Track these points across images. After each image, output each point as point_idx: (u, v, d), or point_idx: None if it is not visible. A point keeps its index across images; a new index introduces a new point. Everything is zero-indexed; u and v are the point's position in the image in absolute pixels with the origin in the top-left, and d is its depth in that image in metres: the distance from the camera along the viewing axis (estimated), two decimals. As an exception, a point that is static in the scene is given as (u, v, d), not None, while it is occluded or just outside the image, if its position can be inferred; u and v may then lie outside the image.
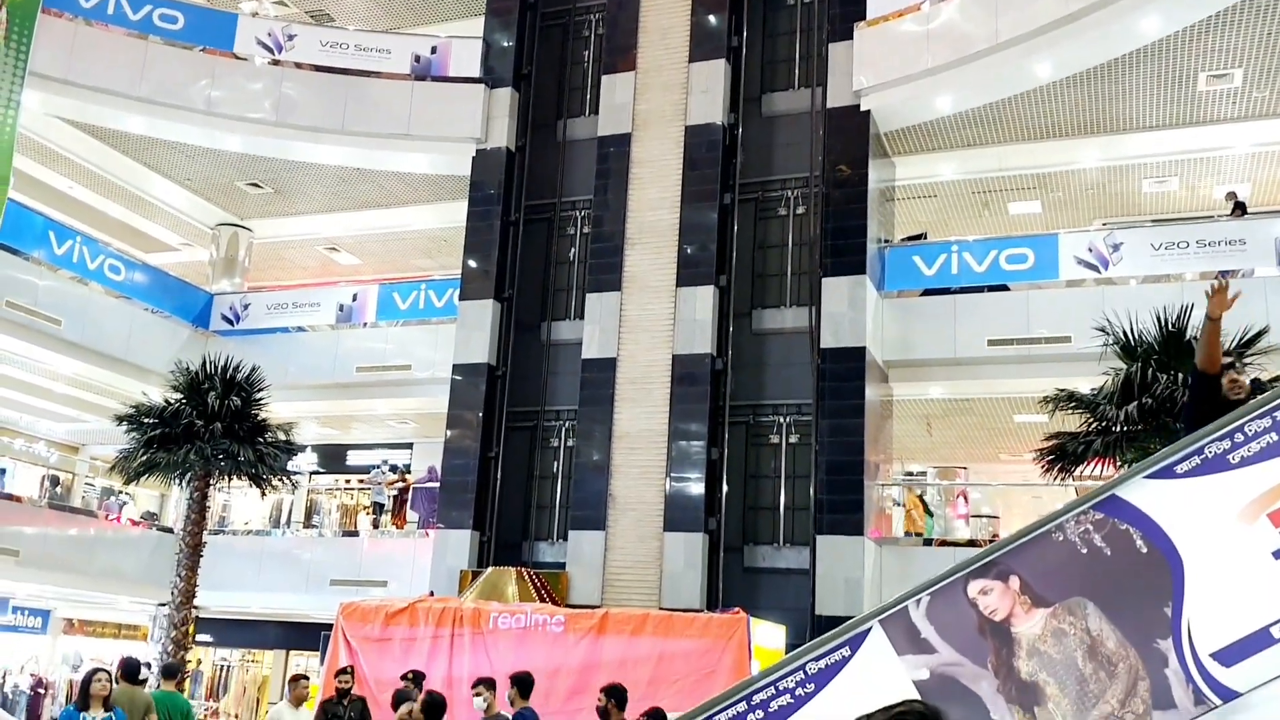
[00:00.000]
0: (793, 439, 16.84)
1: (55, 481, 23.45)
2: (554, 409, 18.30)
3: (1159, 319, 13.10)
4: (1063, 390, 13.71)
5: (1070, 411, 13.58)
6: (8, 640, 22.88)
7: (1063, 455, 13.39)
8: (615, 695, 9.41)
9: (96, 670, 8.19)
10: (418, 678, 10.97)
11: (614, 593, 16.27)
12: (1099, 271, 16.61)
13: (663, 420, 16.82)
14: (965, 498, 18.12)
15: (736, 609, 13.55)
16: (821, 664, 3.72)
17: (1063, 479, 13.62)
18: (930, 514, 17.49)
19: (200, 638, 20.74)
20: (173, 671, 11.67)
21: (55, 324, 19.36)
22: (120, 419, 18.45)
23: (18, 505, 19.95)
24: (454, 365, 18.62)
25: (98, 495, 23.63)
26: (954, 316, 17.11)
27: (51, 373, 21.36)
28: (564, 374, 18.15)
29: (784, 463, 16.87)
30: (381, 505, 21.12)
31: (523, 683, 9.69)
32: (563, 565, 17.02)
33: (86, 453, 26.81)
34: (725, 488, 16.65)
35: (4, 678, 22.37)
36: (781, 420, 17.00)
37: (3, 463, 23.09)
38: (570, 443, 17.94)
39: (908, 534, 16.33)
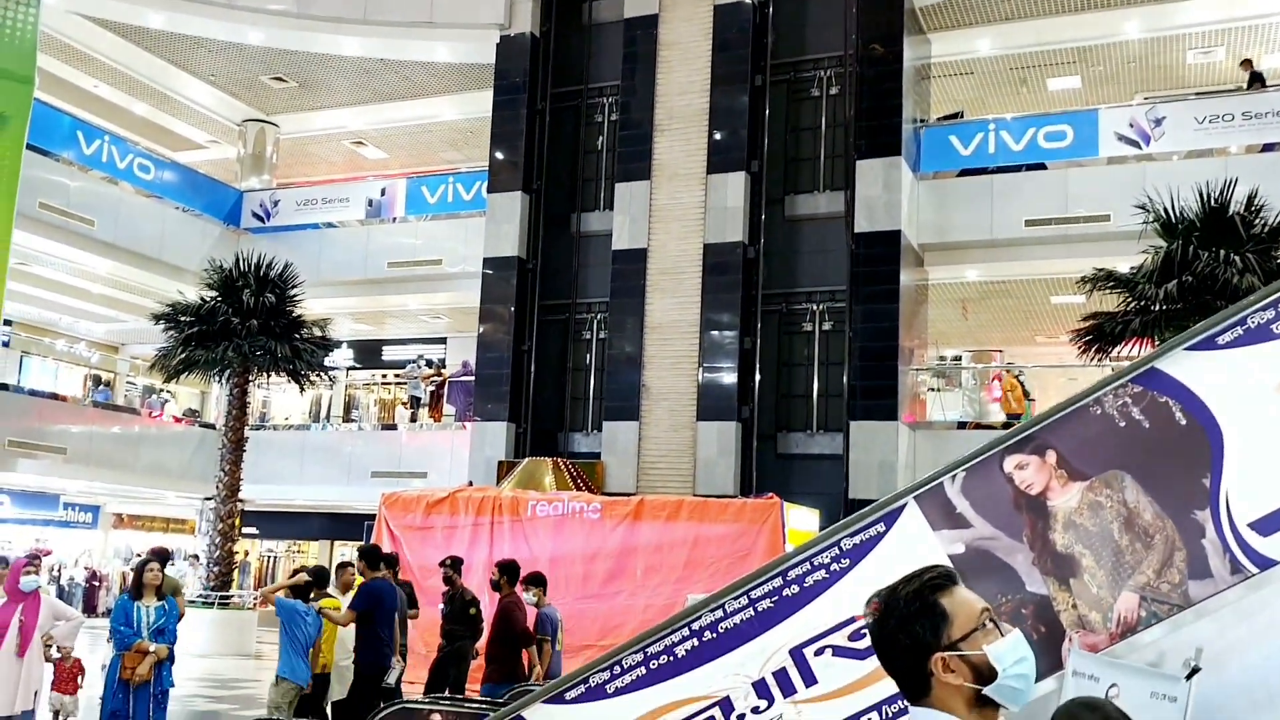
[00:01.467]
0: (826, 326, 16.76)
1: (98, 381, 23.81)
2: (585, 301, 18.27)
3: (1201, 195, 12.79)
4: (1101, 270, 13.49)
5: (1108, 291, 13.37)
6: (61, 535, 23.56)
7: (1100, 336, 13.24)
8: (506, 571, 9.70)
9: (148, 560, 8.36)
10: (456, 563, 11.16)
11: (649, 481, 16.45)
12: (1140, 148, 16.18)
13: (694, 310, 16.77)
14: (1000, 380, 18.00)
15: (770, 494, 13.67)
16: (856, 540, 3.71)
17: (1100, 360, 13.49)
18: (1030, 398, 17.32)
19: (246, 530, 21.28)
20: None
21: (89, 224, 19.44)
22: (157, 318, 18.65)
23: (63, 404, 20.33)
24: (484, 259, 18.58)
25: (140, 393, 24.00)
26: (991, 197, 16.79)
27: (88, 273, 21.54)
28: (595, 266, 18.07)
29: (817, 350, 16.81)
30: (418, 399, 21.32)
31: (509, 570, 9.82)
32: (598, 455, 17.18)
33: (126, 352, 27.18)
34: (758, 376, 16.65)
35: (60, 571, 23.10)
36: (815, 307, 16.90)
37: (47, 364, 23.43)
38: (602, 335, 17.95)
39: (1011, 418, 16.14)
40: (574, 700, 3.95)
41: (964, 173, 17.16)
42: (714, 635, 3.82)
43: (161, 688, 7.91)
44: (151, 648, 7.83)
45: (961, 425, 16.73)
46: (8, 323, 18.81)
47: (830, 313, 16.71)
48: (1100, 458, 3.56)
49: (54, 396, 20.68)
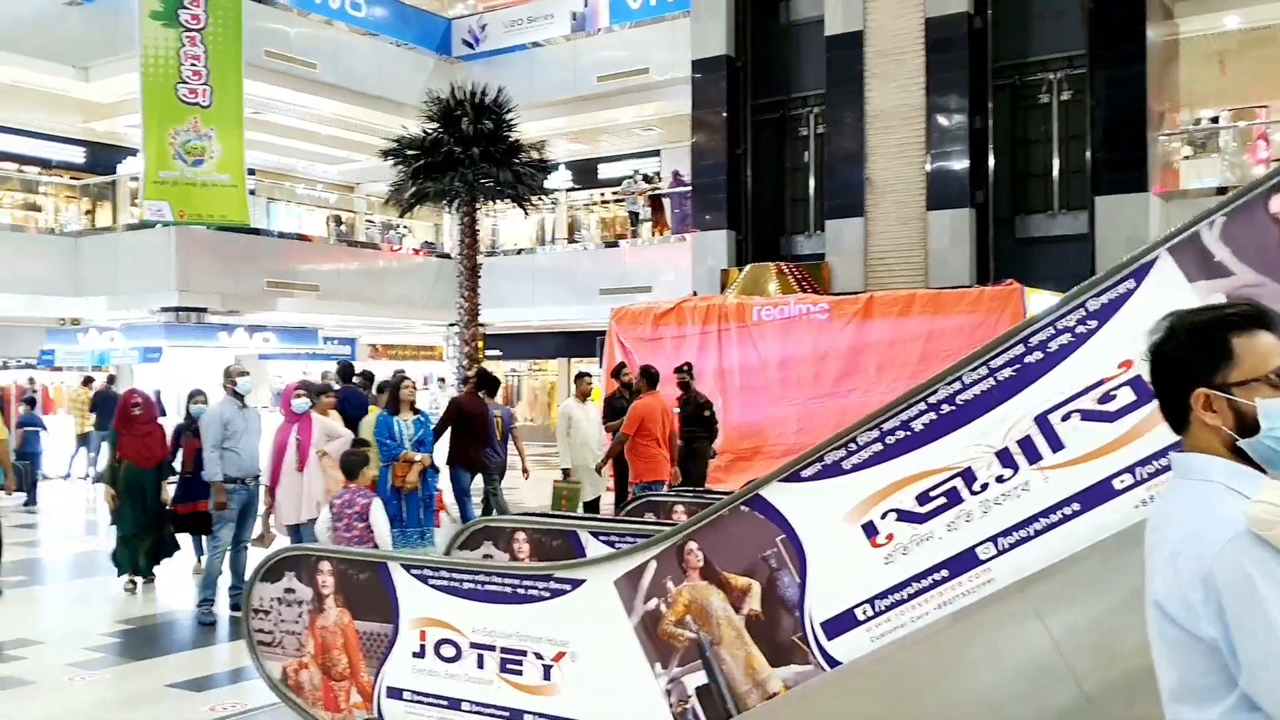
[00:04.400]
0: (1064, 96, 15.49)
1: (339, 220, 25.01)
2: (800, 95, 17.54)
3: None
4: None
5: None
6: (324, 366, 25.31)
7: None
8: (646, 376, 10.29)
9: (403, 376, 8.83)
10: (689, 369, 11.28)
11: (877, 278, 15.97)
12: None
13: (918, 93, 15.79)
14: (1265, 140, 16.25)
15: (1010, 281, 13.01)
16: (1104, 299, 3.40)
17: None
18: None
19: (489, 352, 22.20)
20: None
21: (311, 67, 20.08)
22: (385, 154, 19.22)
23: (311, 245, 21.52)
24: (692, 61, 18.01)
25: (379, 230, 25.10)
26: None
27: (316, 116, 22.37)
28: (807, 57, 17.23)
29: (1056, 123, 15.62)
30: (637, 215, 21.36)
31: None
32: (822, 256, 16.77)
33: (362, 191, 28.40)
34: (991, 158, 15.67)
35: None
36: (1051, 77, 15.61)
37: (292, 208, 24.76)
38: (820, 129, 17.26)
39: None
40: (810, 478, 3.89)
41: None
42: (952, 408, 3.64)
43: (429, 493, 8.44)
44: (416, 457, 8.31)
45: (1221, 191, 15.29)
46: (251, 171, 19.84)
47: (1069, 81, 15.40)
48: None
49: (302, 238, 21.92)
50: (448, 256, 23.27)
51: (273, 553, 5.53)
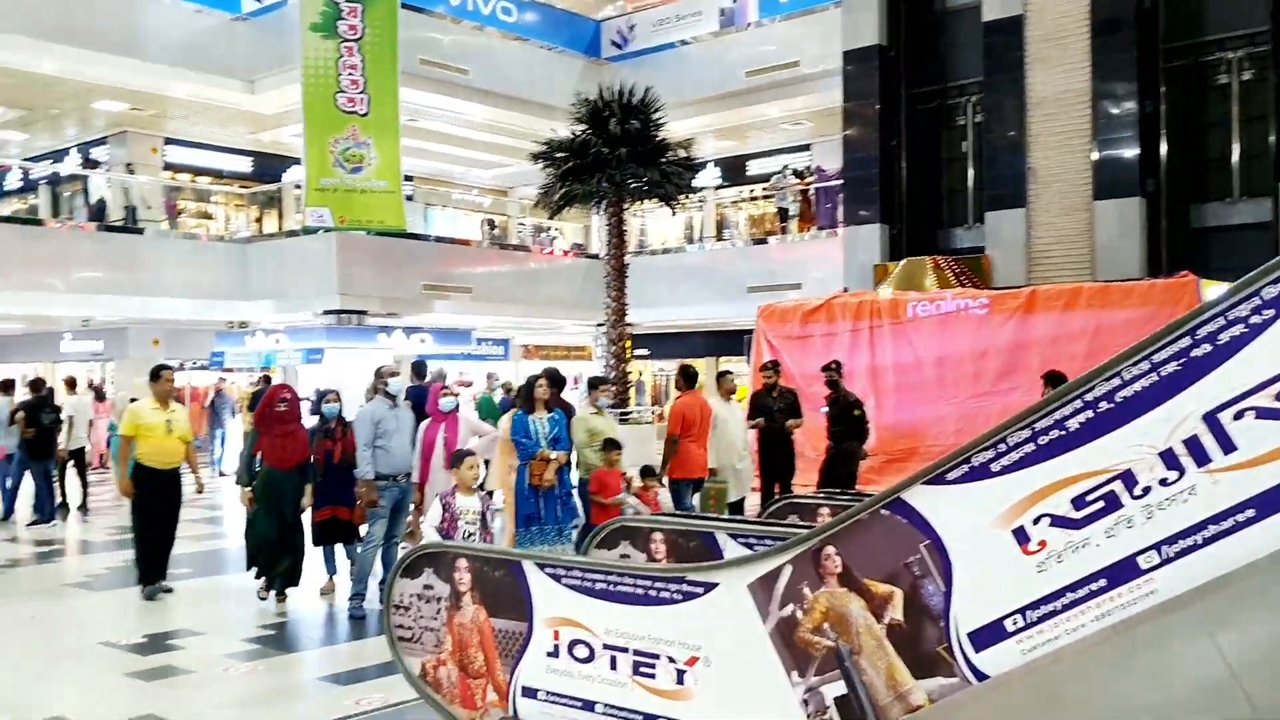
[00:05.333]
0: (1245, 76, 14.54)
1: (492, 224, 25.51)
2: (957, 84, 16.98)
3: None
4: None
5: None
6: (479, 367, 25.84)
7: None
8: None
9: (537, 377, 8.84)
10: (838, 367, 10.98)
11: (1040, 271, 15.30)
12: None
13: (1084, 78, 15.07)
14: None
15: (1184, 273, 12.27)
16: (1281, 288, 3.08)
17: None
18: None
19: (637, 352, 22.24)
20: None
21: (464, 73, 20.49)
22: (535, 157, 19.46)
23: (466, 248, 21.98)
24: (844, 53, 17.63)
25: (530, 233, 25.48)
26: None
27: (469, 122, 22.82)
28: (964, 44, 16.65)
29: (1235, 106, 14.67)
30: (787, 211, 21.05)
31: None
32: (981, 249, 16.18)
33: (514, 195, 28.89)
34: (1164, 144, 14.83)
35: (475, 399, 25.42)
36: (1230, 57, 14.68)
37: (447, 213, 25.38)
38: (978, 119, 16.66)
39: None
40: (957, 480, 3.65)
41: None
42: (1110, 405, 3.35)
43: (565, 489, 8.43)
44: (552, 455, 8.31)
45: None
46: (408, 178, 20.37)
47: (1250, 60, 14.45)
48: None
49: (457, 242, 22.41)
50: (596, 257, 23.44)
51: (413, 549, 5.57)
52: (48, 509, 13.41)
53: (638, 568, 4.70)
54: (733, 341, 22.97)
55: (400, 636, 5.43)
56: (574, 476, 9.09)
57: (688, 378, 10.60)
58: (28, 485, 13.67)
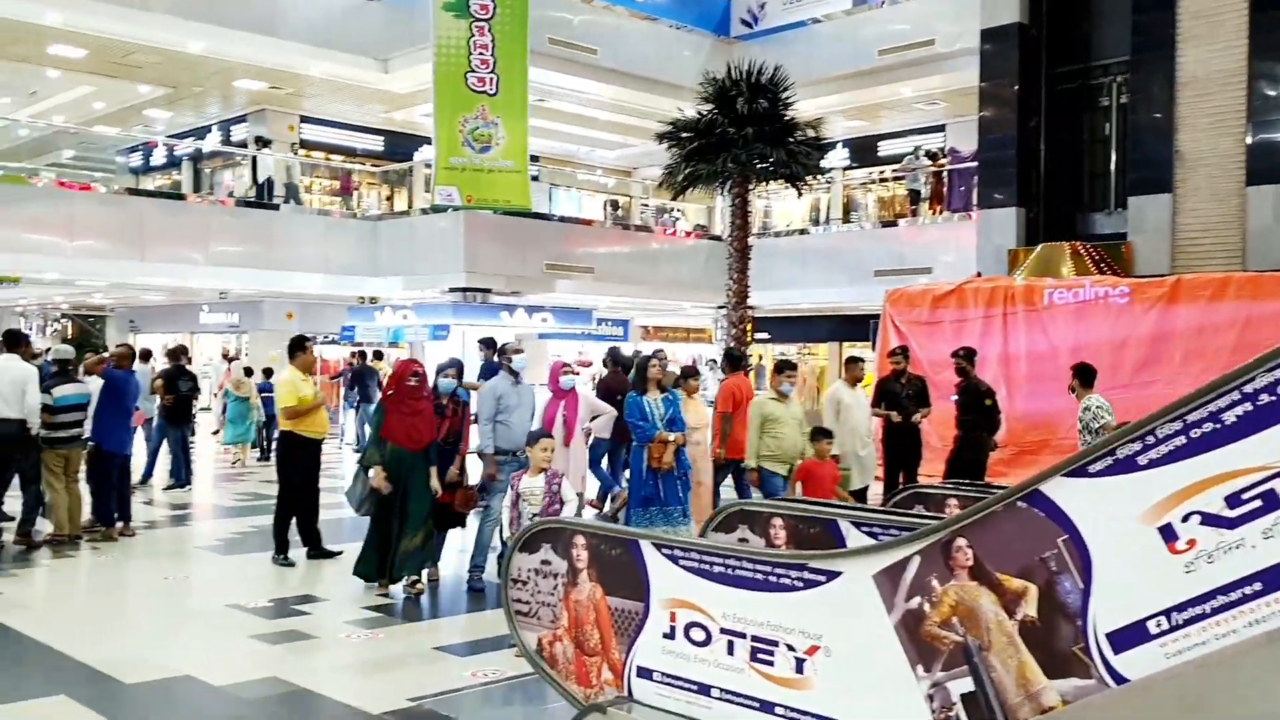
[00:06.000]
0: None
1: (615, 205, 25.52)
2: (1100, 63, 16.27)
3: None
4: None
5: None
6: (599, 347, 25.96)
7: None
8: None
9: (650, 355, 8.79)
10: (969, 354, 10.64)
11: (1185, 260, 14.59)
12: None
13: (1239, 56, 14.26)
14: None
15: (1345, 263, 11.56)
16: None
17: None
18: None
19: (758, 335, 22.02)
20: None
21: (592, 53, 20.51)
22: (660, 137, 19.37)
23: (588, 228, 22.05)
24: (982, 31, 17.05)
25: (652, 214, 25.43)
26: None
27: (595, 101, 22.86)
28: (1109, 21, 15.94)
29: (1405, 85, 13.73)
30: (918, 193, 20.54)
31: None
32: (1123, 236, 15.50)
33: (638, 175, 28.87)
34: (1325, 125, 13.98)
35: (595, 379, 25.56)
36: (1401, 32, 13.73)
37: (571, 193, 25.49)
38: (1123, 99, 15.95)
39: None
40: (1099, 473, 3.44)
41: None
42: (1272, 398, 3.11)
43: (683, 470, 8.36)
44: (670, 437, 8.24)
45: None
46: (534, 158, 20.50)
47: None
48: None
49: (580, 222, 22.50)
50: (718, 239, 23.28)
51: (530, 524, 5.57)
52: (183, 474, 13.93)
53: (758, 552, 4.59)
54: (857, 326, 22.56)
55: (517, 610, 5.43)
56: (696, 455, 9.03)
57: (732, 360, 10.55)
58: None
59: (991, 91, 16.99)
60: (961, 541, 3.75)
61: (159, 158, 27.09)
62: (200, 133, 25.41)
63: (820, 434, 8.41)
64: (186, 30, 18.51)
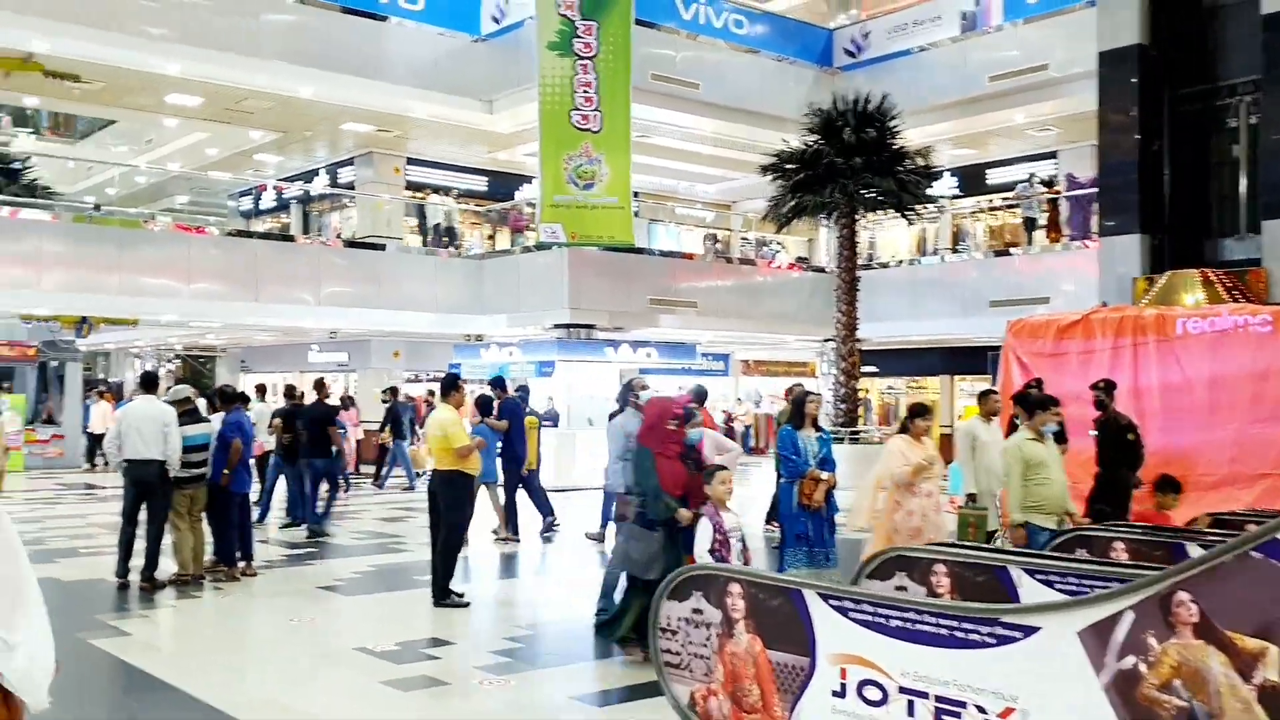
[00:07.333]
0: None
1: (715, 238, 25.35)
2: (1227, 83, 15.60)
3: None
4: None
5: None
6: (700, 382, 25.70)
7: None
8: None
9: (810, 391, 8.51)
10: (1109, 387, 10.16)
11: (1327, 287, 13.85)
12: None
13: (1379, 70, 13.58)
14: None
15: None
16: None
17: None
18: None
19: (865, 369, 21.58)
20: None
21: (693, 88, 20.43)
22: (765, 169, 19.20)
23: (691, 263, 21.91)
24: (1099, 54, 16.53)
25: (753, 247, 25.19)
26: None
27: (696, 136, 22.75)
28: (1236, 41, 15.29)
29: None
30: (1033, 221, 19.97)
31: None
32: (1256, 262, 14.76)
33: (737, 209, 28.67)
34: None
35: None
36: None
37: (671, 228, 25.41)
38: (1252, 120, 15.26)
39: None
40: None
41: None
42: None
43: (831, 513, 8.05)
44: (823, 476, 7.95)
45: None
46: (635, 194, 20.44)
47: None
48: None
49: (683, 256, 22.37)
50: (821, 270, 22.95)
51: (679, 570, 5.32)
52: (299, 512, 13.99)
53: (942, 605, 4.28)
54: (971, 358, 22.01)
55: (667, 662, 5.18)
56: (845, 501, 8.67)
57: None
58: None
59: (1111, 115, 16.41)
60: (1184, 595, 3.41)
61: (268, 201, 27.72)
62: (308, 176, 25.93)
63: (1169, 485, 8.01)
64: (297, 76, 18.89)
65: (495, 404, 12.63)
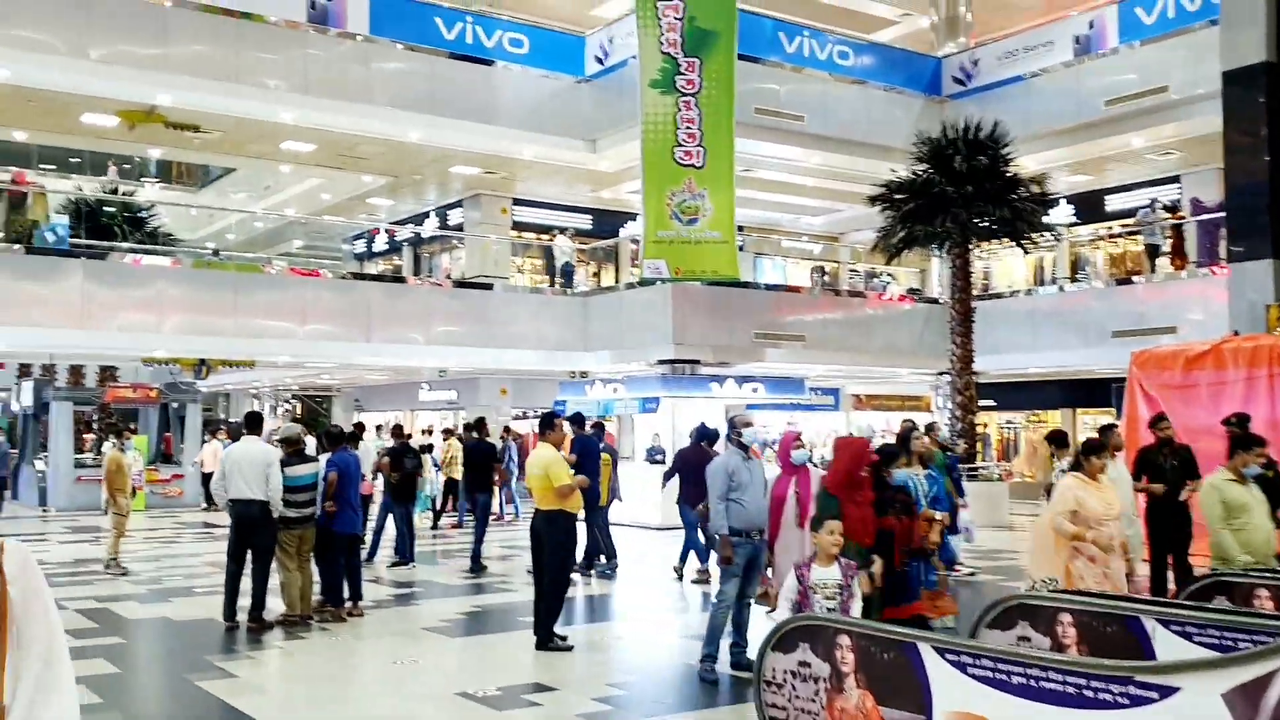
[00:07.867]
0: None
1: (822, 271, 24.98)
2: (1365, 98, 14.79)
3: None
4: None
5: None
6: (808, 417, 25.31)
7: None
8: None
9: (915, 426, 8.20)
10: (1243, 420, 9.58)
11: None
12: None
13: None
14: None
15: None
16: None
17: None
18: None
19: (983, 402, 20.94)
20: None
21: (798, 120, 20.22)
22: (874, 199, 18.86)
23: (797, 296, 21.61)
24: (1223, 74, 15.83)
25: (862, 279, 24.76)
26: None
27: (801, 168, 22.52)
28: (1374, 52, 14.51)
29: None
30: (1157, 248, 19.18)
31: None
32: (1401, 286, 13.91)
33: (845, 240, 28.26)
34: None
35: (812, 450, 24.86)
36: None
37: (777, 261, 25.15)
38: (1393, 136, 14.42)
39: None
40: None
41: None
42: None
43: (947, 556, 7.71)
44: (936, 516, 7.64)
45: None
46: (740, 229, 20.26)
47: None
48: None
49: (789, 289, 22.07)
50: (934, 301, 22.42)
51: (785, 620, 5.09)
52: (408, 551, 14.06)
53: (1068, 661, 3.97)
54: (1093, 391, 21.18)
55: (773, 717, 4.95)
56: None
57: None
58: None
59: (1237, 136, 15.66)
60: (1348, 657, 3.07)
61: (381, 244, 28.33)
62: (419, 219, 26.42)
63: None
64: (407, 121, 19.27)
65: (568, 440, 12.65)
